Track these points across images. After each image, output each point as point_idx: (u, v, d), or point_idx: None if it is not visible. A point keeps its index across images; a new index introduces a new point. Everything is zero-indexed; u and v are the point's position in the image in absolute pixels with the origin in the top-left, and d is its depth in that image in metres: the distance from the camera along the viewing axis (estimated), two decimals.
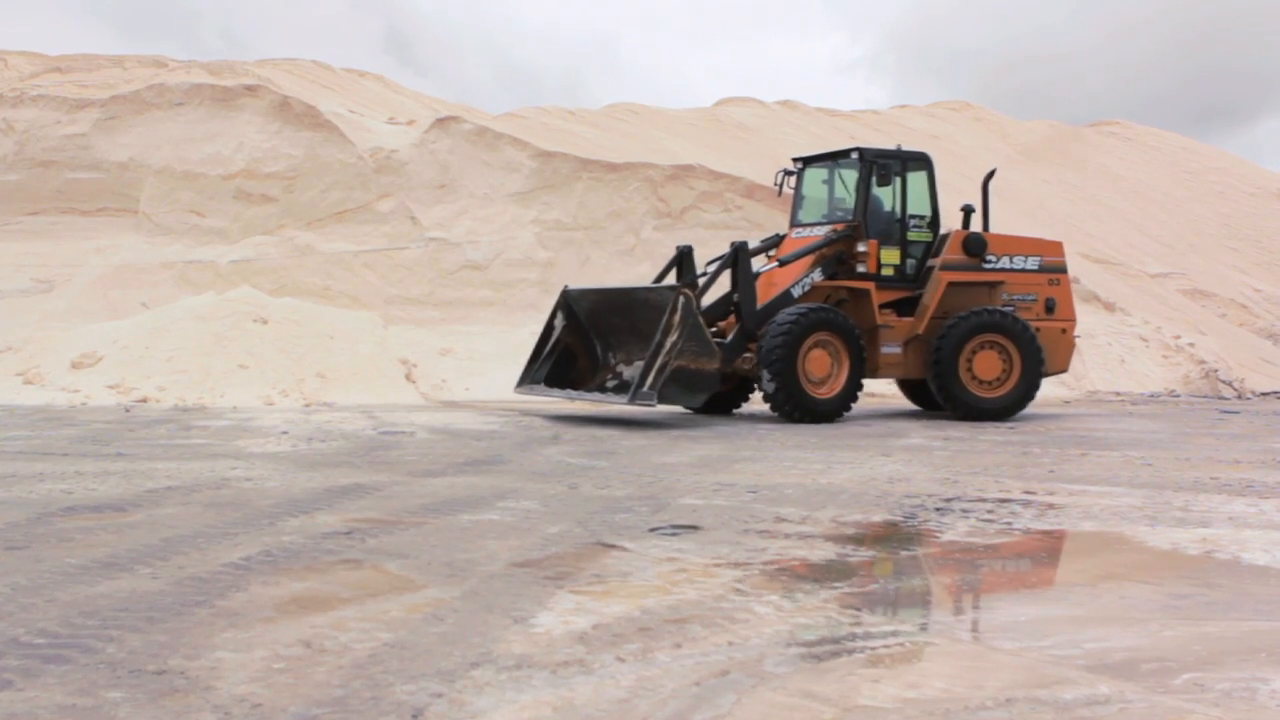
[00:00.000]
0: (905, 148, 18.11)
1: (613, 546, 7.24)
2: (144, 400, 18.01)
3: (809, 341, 16.27)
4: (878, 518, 8.40)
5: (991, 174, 18.42)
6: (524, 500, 9.06)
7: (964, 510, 8.72)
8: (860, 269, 17.36)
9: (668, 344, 15.46)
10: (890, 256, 17.47)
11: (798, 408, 16.19)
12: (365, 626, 5.35)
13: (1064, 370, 18.25)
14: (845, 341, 16.44)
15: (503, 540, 7.41)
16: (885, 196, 17.79)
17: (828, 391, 16.42)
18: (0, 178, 24.87)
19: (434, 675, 4.66)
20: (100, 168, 24.94)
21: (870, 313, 17.15)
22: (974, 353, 16.98)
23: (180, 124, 25.23)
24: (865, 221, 17.39)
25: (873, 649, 5.11)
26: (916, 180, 17.82)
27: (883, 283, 17.39)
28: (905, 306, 17.66)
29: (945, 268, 17.43)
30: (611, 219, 24.18)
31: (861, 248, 17.27)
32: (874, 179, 17.30)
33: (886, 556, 7.06)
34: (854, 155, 17.49)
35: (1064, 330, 17.87)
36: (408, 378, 20.00)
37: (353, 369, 19.26)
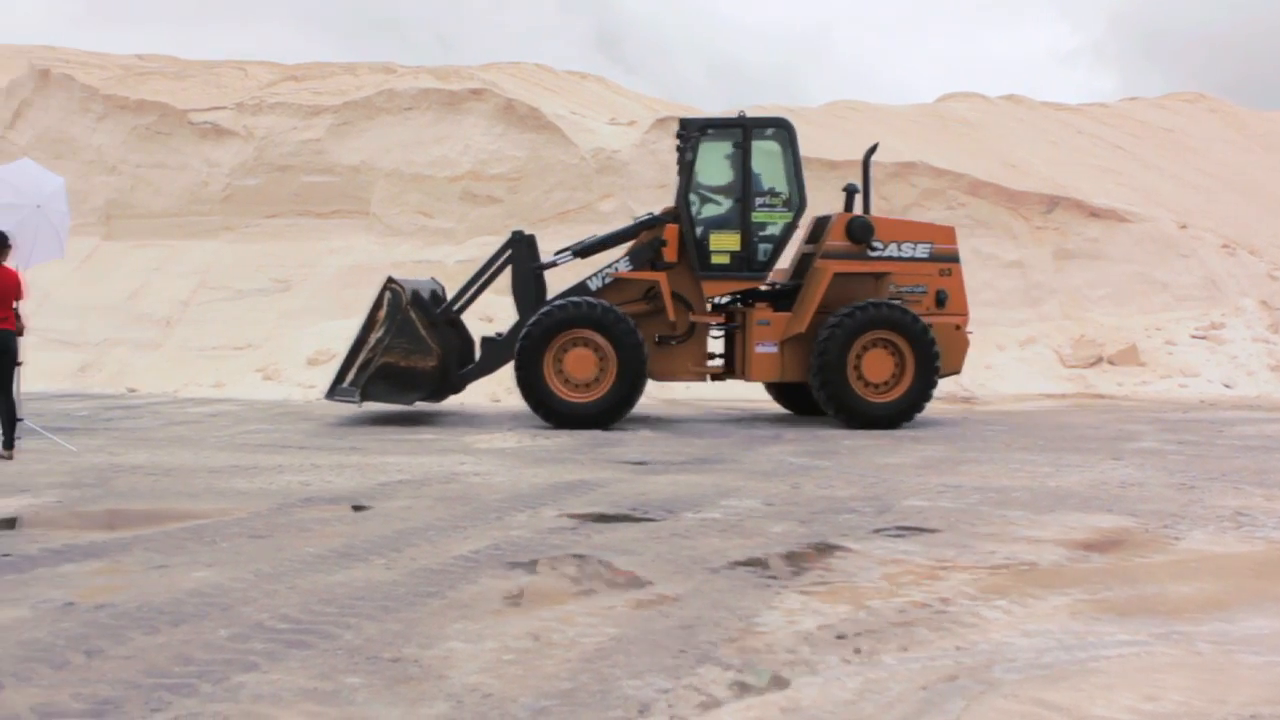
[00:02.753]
0: (751, 113, 15.78)
1: (837, 547, 7.19)
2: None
3: (562, 339, 14.56)
4: (1109, 523, 8.14)
5: (873, 148, 16.00)
6: (747, 499, 9.05)
7: (1201, 517, 8.39)
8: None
9: (372, 340, 14.94)
10: (725, 242, 14.98)
11: (551, 413, 14.56)
12: (592, 621, 5.42)
13: (956, 371, 15.66)
14: (611, 339, 14.52)
15: (726, 538, 7.42)
16: (723, 172, 15.42)
17: (592, 395, 14.57)
18: (240, 182, 25.94)
19: (660, 671, 4.69)
20: (334, 171, 25.80)
21: (674, 308, 15.14)
22: (862, 352, 14.73)
23: (409, 128, 25.95)
24: (684, 203, 15.08)
25: (1107, 658, 4.96)
26: (767, 152, 15.30)
27: (715, 273, 15.06)
28: (783, 301, 15.42)
29: (828, 256, 15.07)
30: None
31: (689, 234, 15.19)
32: (698, 154, 15.10)
33: (1120, 563, 6.84)
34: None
35: (957, 327, 15.27)
36: None
37: None
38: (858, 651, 4.99)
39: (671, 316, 15.06)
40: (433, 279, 16.71)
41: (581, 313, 14.54)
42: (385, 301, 15.09)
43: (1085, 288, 23.39)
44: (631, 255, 15.27)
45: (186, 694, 4.41)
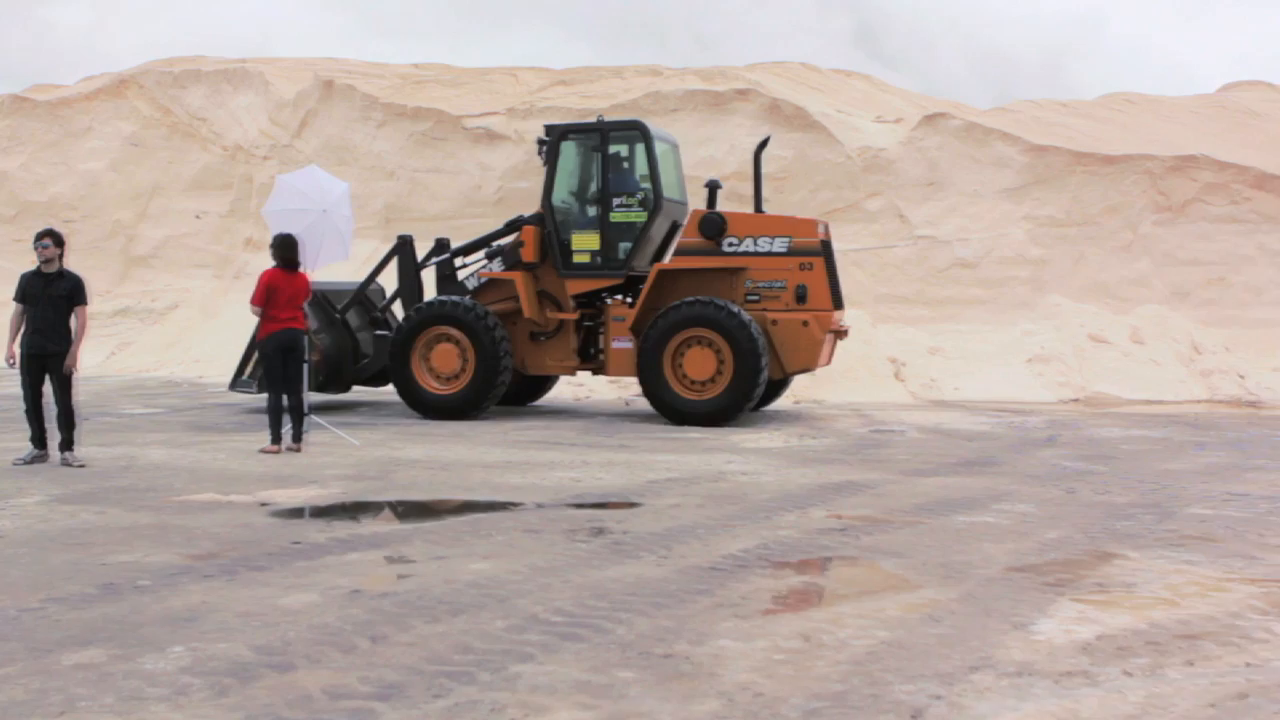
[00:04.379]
0: (610, 117, 16.20)
1: (1115, 555, 6.96)
2: (641, 394, 18.83)
3: (427, 336, 15.39)
4: None
5: (764, 143, 16.14)
6: (1020, 503, 8.85)
7: None
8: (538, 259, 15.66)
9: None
10: (586, 241, 15.36)
11: (417, 403, 15.45)
12: (862, 624, 5.38)
13: (810, 368, 15.27)
14: (470, 335, 15.16)
15: (999, 543, 7.27)
16: (583, 174, 15.87)
17: (454, 387, 15.30)
18: (513, 185, 26.59)
19: (933, 677, 4.63)
20: None
21: (533, 306, 15.60)
22: (684, 349, 14.68)
23: (675, 129, 26.11)
24: (548, 205, 15.53)
25: None
26: (623, 155, 15.74)
27: (577, 271, 15.38)
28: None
29: (681, 252, 15.24)
30: (1107, 214, 23.21)
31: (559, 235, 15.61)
32: (559, 157, 15.56)
33: None
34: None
35: (805, 323, 14.72)
36: (896, 376, 19.97)
37: (842, 367, 19.38)
38: (1140, 664, 4.83)
39: (528, 314, 15.59)
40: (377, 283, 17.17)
41: (445, 310, 15.40)
42: None
43: None
44: (501, 256, 15.91)
45: (466, 681, 4.56)
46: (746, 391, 14.43)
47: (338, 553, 6.92)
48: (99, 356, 24.90)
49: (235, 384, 16.32)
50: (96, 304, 19.25)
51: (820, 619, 5.47)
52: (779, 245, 15.03)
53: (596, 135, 15.57)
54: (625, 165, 15.75)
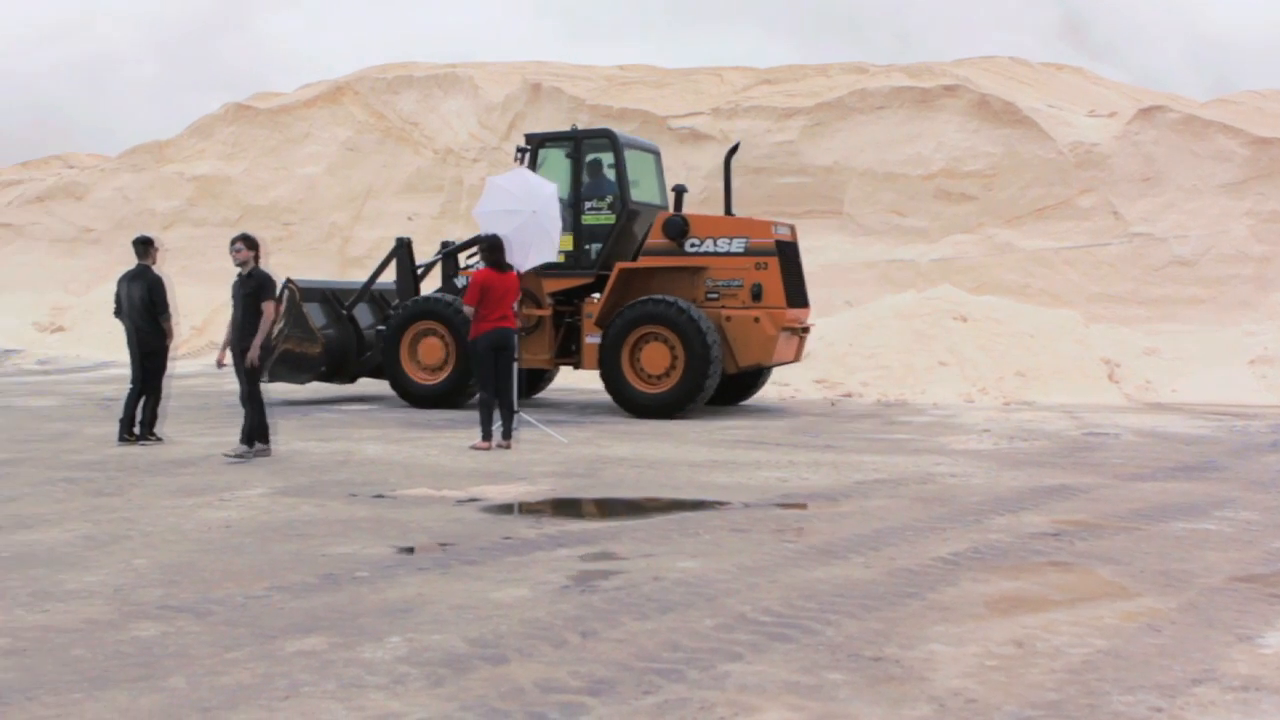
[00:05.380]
0: (582, 127, 17.46)
1: None
2: (848, 395, 18.70)
3: (415, 330, 16.70)
4: None
5: (734, 149, 16.92)
6: (1244, 510, 8.52)
7: None
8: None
9: (275, 330, 16.02)
10: (561, 243, 15.42)
11: (406, 394, 16.77)
12: (1078, 631, 5.25)
13: (763, 363, 15.99)
14: (451, 330, 16.36)
15: (1222, 552, 7.02)
16: (559, 180, 16.08)
17: (437, 378, 16.65)
18: (718, 184, 26.58)
19: (1152, 688, 4.49)
20: (807, 172, 26.14)
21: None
22: (641, 344, 15.62)
23: (882, 127, 25.94)
24: None
25: None
26: (595, 161, 16.67)
27: (553, 271, 15.97)
28: None
29: (647, 253, 16.16)
30: None
31: None
32: (538, 164, 16.47)
33: None
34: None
35: (756, 319, 15.39)
36: (1110, 378, 19.40)
37: (1053, 368, 18.95)
38: None
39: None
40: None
41: (427, 307, 16.74)
42: (284, 299, 16.94)
43: None
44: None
45: (675, 679, 4.59)
46: (698, 384, 15.24)
47: (547, 548, 7.04)
48: None
49: None
50: None
51: (1034, 625, 5.35)
52: (736, 246, 15.84)
53: (571, 143, 16.76)
54: (598, 171, 16.72)
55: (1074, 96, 27.96)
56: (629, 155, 16.70)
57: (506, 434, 12.26)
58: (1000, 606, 5.72)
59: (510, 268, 12.60)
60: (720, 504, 8.69)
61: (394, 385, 17.05)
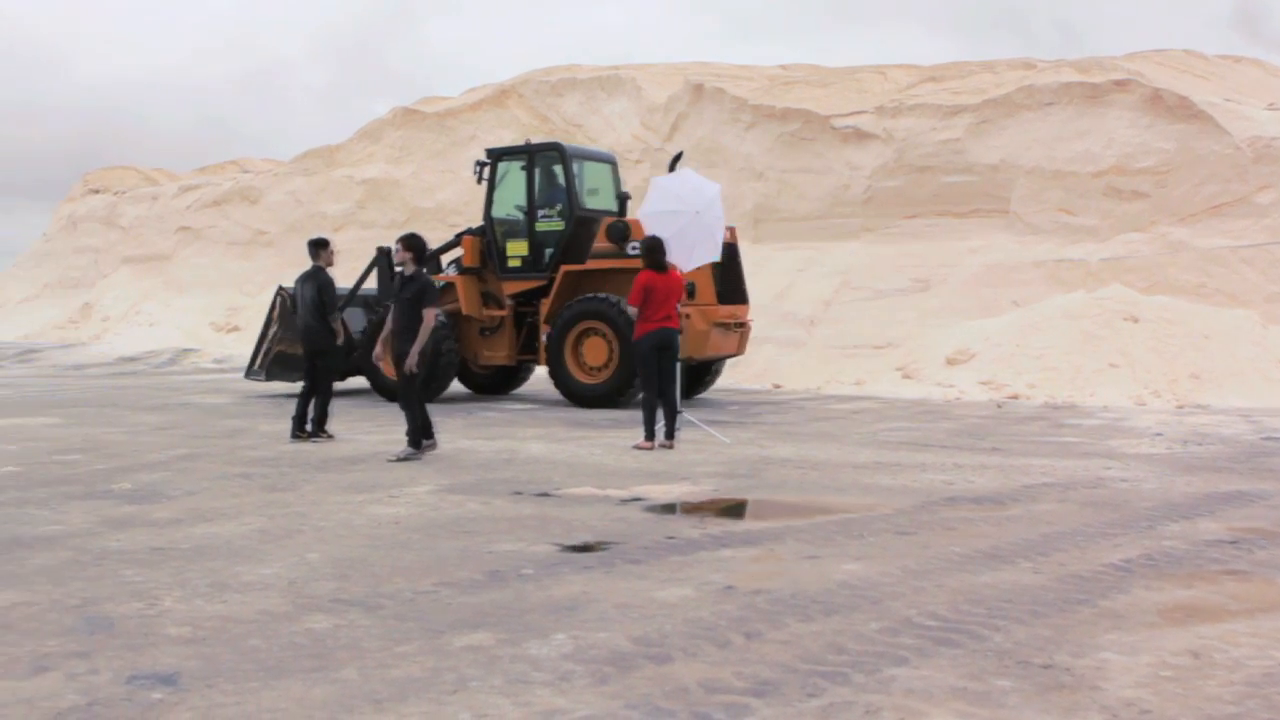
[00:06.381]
0: (535, 140, 19.41)
1: None
2: (1014, 397, 18.38)
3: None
4: None
5: (677, 157, 17.76)
6: None
7: None
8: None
9: (270, 333, 18.94)
10: (517, 248, 18.17)
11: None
12: (1258, 643, 5.10)
13: (695, 357, 16.81)
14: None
15: None
16: (516, 190, 18.37)
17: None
18: (881, 184, 26.46)
19: None
20: (973, 170, 25.72)
21: (474, 304, 18.33)
22: (583, 340, 17.17)
23: (1050, 123, 25.40)
24: (488, 216, 18.47)
25: None
26: (547, 171, 18.21)
27: (511, 274, 18.17)
28: None
29: (593, 256, 17.50)
30: None
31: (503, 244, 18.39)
32: (496, 176, 18.35)
33: None
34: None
35: (688, 316, 16.08)
36: None
37: (1230, 370, 18.37)
38: None
39: (466, 311, 18.17)
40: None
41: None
42: (277, 304, 19.06)
43: None
44: (455, 262, 18.73)
45: (840, 682, 4.57)
46: (632, 375, 16.13)
47: (711, 549, 7.05)
48: None
49: (248, 374, 19.64)
50: None
51: (1211, 636, 5.21)
52: None
53: (525, 156, 18.38)
54: (551, 182, 18.20)
55: (1252, 89, 27.08)
56: (586, 166, 18.58)
57: (670, 434, 12.31)
58: (1175, 615, 5.57)
59: (670, 268, 12.65)
60: (885, 506, 8.61)
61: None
